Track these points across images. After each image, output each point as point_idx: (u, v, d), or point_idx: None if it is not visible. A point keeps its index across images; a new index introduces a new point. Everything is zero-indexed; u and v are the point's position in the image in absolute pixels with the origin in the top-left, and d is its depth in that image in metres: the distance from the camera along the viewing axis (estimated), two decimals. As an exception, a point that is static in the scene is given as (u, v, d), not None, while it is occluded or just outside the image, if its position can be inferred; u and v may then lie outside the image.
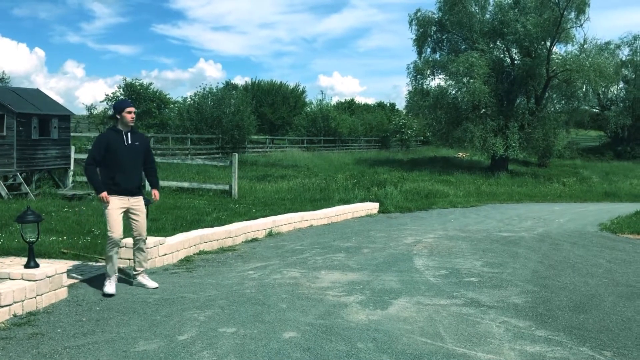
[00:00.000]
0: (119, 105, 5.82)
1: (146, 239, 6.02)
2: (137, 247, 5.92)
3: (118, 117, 5.76)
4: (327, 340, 4.34)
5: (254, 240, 8.99)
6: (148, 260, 6.24)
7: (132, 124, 5.81)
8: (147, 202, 6.00)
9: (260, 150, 36.40)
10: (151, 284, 5.86)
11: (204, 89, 32.98)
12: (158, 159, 16.30)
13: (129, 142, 5.73)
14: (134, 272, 5.96)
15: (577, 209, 15.92)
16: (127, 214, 5.79)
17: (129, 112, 5.73)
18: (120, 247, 5.98)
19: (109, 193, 5.61)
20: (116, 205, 5.64)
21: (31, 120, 15.33)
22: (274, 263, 7.28)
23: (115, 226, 5.61)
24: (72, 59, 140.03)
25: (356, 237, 9.56)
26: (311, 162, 30.11)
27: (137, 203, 5.80)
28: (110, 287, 5.57)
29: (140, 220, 5.85)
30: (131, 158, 5.73)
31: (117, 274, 5.74)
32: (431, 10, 32.35)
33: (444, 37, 32.22)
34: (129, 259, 6.70)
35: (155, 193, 6.05)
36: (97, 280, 5.99)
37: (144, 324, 4.68)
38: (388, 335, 4.49)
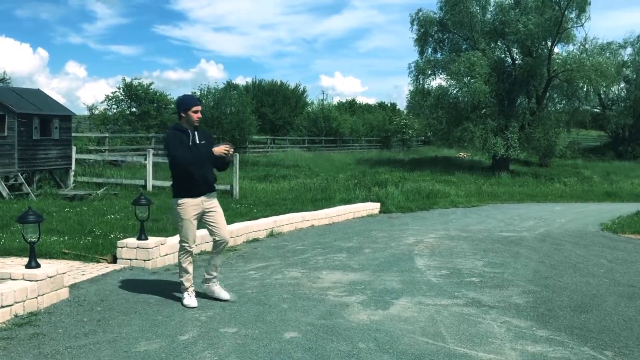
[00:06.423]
0: (184, 102, 5.24)
1: (228, 242, 5.47)
2: (217, 251, 5.38)
3: (183, 115, 5.19)
4: (329, 341, 4.35)
5: (255, 240, 8.99)
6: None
7: (198, 124, 5.25)
8: None
9: (261, 150, 36.32)
10: (224, 295, 5.36)
11: (202, 90, 32.91)
12: (159, 160, 16.34)
13: (197, 141, 5.20)
14: (206, 277, 5.45)
15: (578, 209, 15.91)
16: (202, 217, 5.31)
17: (195, 112, 5.18)
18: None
19: (182, 196, 5.18)
20: (190, 213, 5.21)
21: (32, 120, 15.34)
22: (275, 263, 7.28)
23: (190, 236, 5.28)
24: (74, 59, 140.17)
25: (357, 237, 9.56)
26: (312, 162, 30.09)
27: (211, 204, 5.29)
28: (191, 300, 5.23)
29: (220, 220, 5.32)
30: (200, 157, 5.15)
31: (193, 285, 5.36)
32: (432, 10, 32.39)
33: (445, 37, 32.20)
34: (130, 259, 6.73)
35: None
36: (98, 281, 6.01)
37: (145, 324, 4.68)
38: (389, 336, 4.49)
